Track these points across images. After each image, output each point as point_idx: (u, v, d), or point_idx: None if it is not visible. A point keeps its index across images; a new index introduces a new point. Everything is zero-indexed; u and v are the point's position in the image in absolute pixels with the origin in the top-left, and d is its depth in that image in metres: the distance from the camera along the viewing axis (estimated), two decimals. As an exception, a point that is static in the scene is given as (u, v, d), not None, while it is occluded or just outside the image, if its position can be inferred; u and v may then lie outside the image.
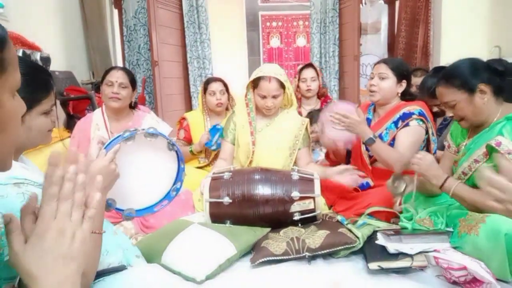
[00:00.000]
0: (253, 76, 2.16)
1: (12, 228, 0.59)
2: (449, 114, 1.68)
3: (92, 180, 1.07)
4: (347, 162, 2.23)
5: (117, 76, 2.19)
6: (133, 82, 2.27)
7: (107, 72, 2.26)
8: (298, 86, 3.14)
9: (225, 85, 2.70)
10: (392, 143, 1.99)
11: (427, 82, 2.37)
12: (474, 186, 1.59)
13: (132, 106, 2.33)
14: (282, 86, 2.13)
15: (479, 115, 1.57)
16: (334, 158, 2.32)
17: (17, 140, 0.63)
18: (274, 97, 2.12)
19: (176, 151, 1.31)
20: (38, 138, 1.06)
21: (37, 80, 1.01)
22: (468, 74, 1.56)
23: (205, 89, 2.67)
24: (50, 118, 1.09)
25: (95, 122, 2.25)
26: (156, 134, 1.23)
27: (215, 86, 2.64)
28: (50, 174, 0.60)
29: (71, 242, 0.58)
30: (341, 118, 1.86)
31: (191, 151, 2.57)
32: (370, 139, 1.87)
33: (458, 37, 3.87)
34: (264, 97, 2.12)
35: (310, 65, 3.19)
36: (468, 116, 1.59)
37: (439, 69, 2.46)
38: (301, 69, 3.15)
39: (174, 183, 1.36)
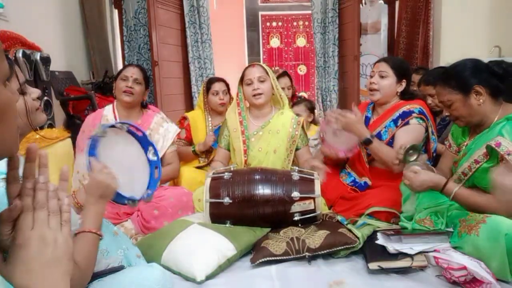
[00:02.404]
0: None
1: None
2: (445, 112, 1.69)
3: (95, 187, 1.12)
4: (344, 162, 2.23)
5: (132, 72, 2.21)
6: (146, 80, 2.29)
7: (123, 68, 2.30)
8: None
9: (227, 86, 2.71)
10: (391, 141, 1.99)
11: (426, 74, 2.61)
12: (474, 186, 1.59)
13: (144, 105, 2.33)
14: (268, 75, 2.17)
15: (474, 115, 1.58)
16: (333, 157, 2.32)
17: (16, 128, 0.63)
18: (260, 81, 2.13)
19: (127, 130, 1.39)
20: (23, 121, 1.06)
21: None
22: (464, 75, 1.56)
23: (207, 89, 2.67)
24: (30, 97, 1.10)
25: (105, 117, 2.24)
26: (105, 128, 1.30)
27: (218, 86, 2.65)
28: (24, 186, 0.61)
29: (54, 247, 0.58)
30: (337, 116, 1.86)
31: (193, 151, 2.57)
32: (367, 140, 1.87)
33: (458, 37, 3.87)
34: (251, 82, 2.14)
35: (285, 73, 3.21)
36: (463, 116, 1.61)
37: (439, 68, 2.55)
38: (277, 78, 3.22)
39: (146, 150, 1.43)
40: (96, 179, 1.12)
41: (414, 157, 1.68)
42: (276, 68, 3.37)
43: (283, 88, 3.08)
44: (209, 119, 2.70)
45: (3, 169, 0.88)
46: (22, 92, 1.04)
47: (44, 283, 0.56)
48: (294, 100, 3.28)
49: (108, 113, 2.26)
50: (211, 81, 2.70)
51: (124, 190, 1.28)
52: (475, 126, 1.64)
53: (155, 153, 1.47)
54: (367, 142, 1.87)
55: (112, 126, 1.36)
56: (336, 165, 2.27)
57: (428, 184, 1.57)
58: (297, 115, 2.66)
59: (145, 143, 1.46)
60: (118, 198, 1.26)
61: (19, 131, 1.06)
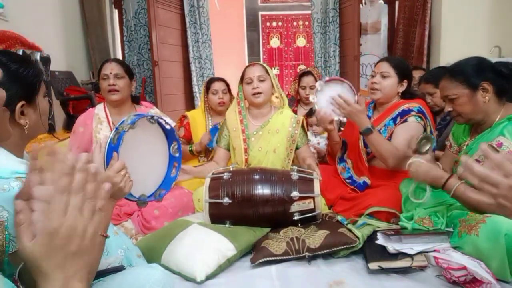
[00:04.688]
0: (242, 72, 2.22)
1: (22, 220, 0.56)
2: (447, 108, 1.67)
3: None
4: (343, 154, 2.22)
5: (110, 68, 2.14)
6: (129, 72, 2.20)
7: (101, 67, 2.20)
8: (297, 91, 3.13)
9: (227, 85, 2.71)
10: (389, 140, 1.98)
11: (427, 73, 2.67)
12: (473, 186, 1.59)
13: (136, 101, 2.29)
14: (268, 74, 2.16)
15: (478, 113, 1.58)
16: (331, 151, 2.31)
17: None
18: (260, 80, 2.13)
19: (157, 121, 1.36)
20: (43, 122, 1.09)
21: (30, 68, 1.05)
22: (473, 71, 1.57)
23: (207, 88, 2.68)
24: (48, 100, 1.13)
25: (97, 116, 2.20)
26: (135, 120, 1.27)
27: (217, 86, 2.65)
28: (58, 166, 0.56)
29: (82, 238, 0.56)
30: (342, 104, 1.86)
31: (190, 151, 2.56)
32: (367, 129, 1.85)
33: (458, 37, 3.87)
34: (250, 81, 2.14)
35: (309, 72, 3.14)
36: (466, 113, 1.60)
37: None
38: (301, 75, 3.12)
39: (170, 145, 1.41)
40: (111, 179, 1.12)
41: (427, 147, 1.67)
42: (303, 66, 3.22)
43: (304, 87, 3.05)
44: (209, 118, 2.70)
45: (17, 168, 0.89)
46: (45, 96, 1.09)
47: (62, 272, 0.55)
48: None
49: (99, 111, 2.22)
50: (211, 81, 2.72)
51: (138, 188, 1.26)
52: (475, 124, 1.64)
53: (178, 149, 1.44)
54: (367, 132, 1.86)
55: (143, 116, 1.33)
56: (336, 154, 2.26)
57: (432, 174, 1.56)
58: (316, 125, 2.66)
59: (171, 137, 1.43)
60: (129, 196, 1.25)
61: (38, 129, 1.08)
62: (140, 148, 1.34)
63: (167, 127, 1.42)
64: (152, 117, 1.36)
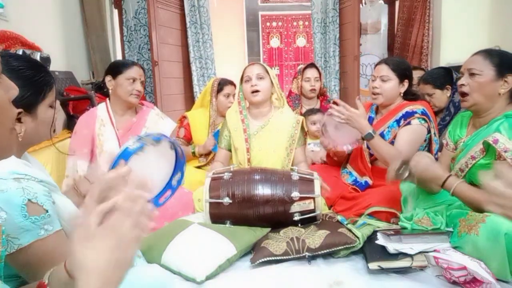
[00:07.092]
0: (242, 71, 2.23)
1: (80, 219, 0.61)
2: (461, 82, 1.63)
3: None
4: (347, 161, 2.23)
5: (140, 74, 2.20)
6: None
7: (125, 66, 2.19)
8: (301, 86, 3.11)
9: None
10: (393, 142, 1.98)
11: (426, 73, 2.65)
12: (471, 183, 1.59)
13: None
14: (267, 73, 2.17)
15: (487, 102, 1.57)
16: (335, 157, 2.32)
17: (9, 129, 0.62)
18: (259, 78, 2.13)
19: (176, 150, 1.35)
20: (47, 131, 1.09)
21: (41, 76, 1.04)
22: (507, 60, 1.57)
23: (218, 90, 2.66)
24: (54, 111, 1.11)
25: (100, 118, 2.19)
26: (160, 139, 1.26)
27: (230, 89, 2.66)
28: (129, 193, 0.65)
29: (125, 254, 0.60)
30: (340, 109, 1.86)
31: (193, 153, 2.56)
32: (368, 134, 1.85)
33: (458, 37, 3.87)
34: (249, 79, 2.14)
35: (313, 65, 3.15)
36: (477, 95, 1.58)
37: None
38: (304, 68, 3.11)
39: (174, 173, 1.40)
40: (111, 181, 1.11)
41: (406, 174, 1.64)
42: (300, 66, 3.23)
43: (308, 79, 3.04)
44: (213, 119, 2.69)
45: (15, 169, 0.89)
46: (52, 106, 1.08)
47: (100, 277, 0.57)
48: (322, 97, 3.20)
49: (102, 113, 2.21)
50: (225, 83, 2.69)
51: None
52: (474, 115, 1.64)
53: (179, 181, 1.44)
54: (368, 137, 1.86)
55: (168, 140, 1.32)
56: (338, 163, 2.27)
57: (431, 171, 1.56)
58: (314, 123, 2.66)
59: (178, 167, 1.43)
60: None
61: (39, 138, 1.06)
62: (150, 168, 1.33)
63: (181, 158, 1.41)
64: (173, 143, 1.35)
